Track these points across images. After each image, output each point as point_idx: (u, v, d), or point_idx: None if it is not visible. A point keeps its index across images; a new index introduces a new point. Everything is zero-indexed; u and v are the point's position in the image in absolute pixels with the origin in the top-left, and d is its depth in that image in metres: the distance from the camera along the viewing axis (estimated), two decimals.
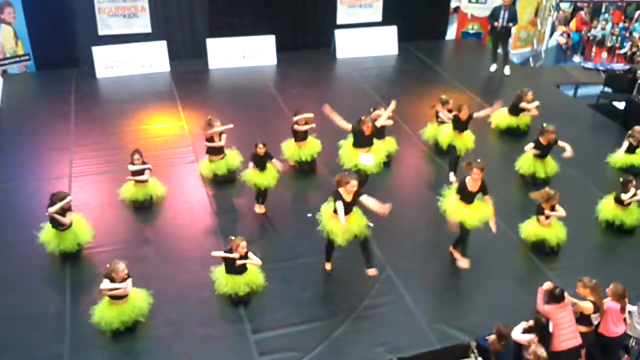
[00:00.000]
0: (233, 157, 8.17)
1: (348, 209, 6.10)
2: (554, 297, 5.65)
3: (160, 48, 11.95)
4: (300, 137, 8.33)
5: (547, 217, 6.94)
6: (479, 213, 6.62)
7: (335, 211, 6.06)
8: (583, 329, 5.75)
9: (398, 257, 7.08)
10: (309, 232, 7.53)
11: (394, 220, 7.79)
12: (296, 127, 8.22)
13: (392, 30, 13.08)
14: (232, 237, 6.18)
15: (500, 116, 9.57)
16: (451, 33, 14.17)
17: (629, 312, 5.99)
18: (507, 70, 11.91)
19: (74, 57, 11.85)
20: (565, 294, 5.68)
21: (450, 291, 6.67)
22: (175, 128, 9.83)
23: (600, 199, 7.66)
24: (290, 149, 8.39)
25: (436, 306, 6.43)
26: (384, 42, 13.03)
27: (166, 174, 8.38)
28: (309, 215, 7.77)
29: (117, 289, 5.69)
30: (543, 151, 8.13)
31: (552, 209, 6.93)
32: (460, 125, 8.15)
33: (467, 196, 6.60)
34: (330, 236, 6.27)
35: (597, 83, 12.36)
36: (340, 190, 6.04)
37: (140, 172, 7.58)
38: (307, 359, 5.77)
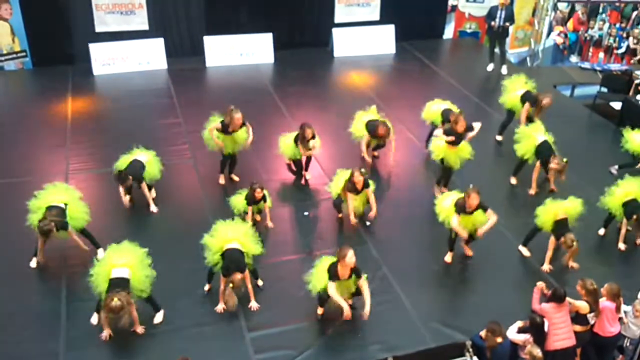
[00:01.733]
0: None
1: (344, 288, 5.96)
2: (556, 297, 5.66)
3: (157, 45, 11.93)
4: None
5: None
6: (478, 221, 6.70)
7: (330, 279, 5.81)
8: (578, 328, 5.77)
9: (393, 256, 7.09)
10: (305, 231, 7.56)
11: (390, 218, 7.84)
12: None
13: (390, 29, 13.08)
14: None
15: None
16: (449, 32, 14.17)
17: (624, 312, 6.01)
18: (504, 70, 11.92)
19: (71, 54, 11.83)
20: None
21: (445, 290, 6.69)
22: (172, 126, 9.82)
23: (597, 202, 7.62)
24: (287, 146, 8.16)
25: (431, 305, 6.44)
26: (382, 41, 13.03)
27: (165, 171, 8.36)
28: (306, 213, 7.81)
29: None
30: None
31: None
32: (456, 138, 7.66)
33: (466, 214, 6.63)
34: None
35: (594, 83, 12.39)
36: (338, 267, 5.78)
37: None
38: (303, 356, 5.78)
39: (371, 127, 8.25)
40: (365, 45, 12.87)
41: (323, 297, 6.05)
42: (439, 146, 7.82)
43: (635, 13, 14.64)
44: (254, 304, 6.25)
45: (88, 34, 11.65)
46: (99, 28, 11.79)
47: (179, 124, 9.86)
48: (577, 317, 5.76)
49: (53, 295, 6.39)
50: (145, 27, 12.03)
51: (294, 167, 8.35)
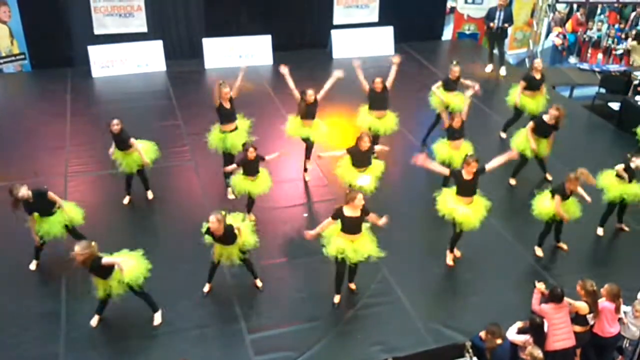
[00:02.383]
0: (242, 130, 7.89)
1: (354, 227, 5.98)
2: (555, 297, 5.66)
3: (156, 47, 11.94)
4: (309, 114, 7.91)
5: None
6: (478, 212, 6.60)
7: (343, 228, 5.92)
8: (578, 328, 5.77)
9: (394, 257, 7.07)
10: (304, 232, 7.54)
11: (390, 220, 7.83)
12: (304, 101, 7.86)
13: (389, 31, 13.10)
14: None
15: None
16: (447, 34, 14.19)
17: (624, 313, 6.02)
18: (503, 71, 11.94)
19: (70, 56, 11.83)
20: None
21: (445, 291, 6.69)
22: (171, 127, 9.82)
23: (601, 205, 7.62)
24: (294, 125, 8.02)
25: (432, 306, 6.44)
26: (381, 43, 13.04)
27: (162, 174, 8.37)
28: (305, 215, 7.81)
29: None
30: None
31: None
32: (454, 135, 7.60)
33: (464, 187, 6.52)
34: (339, 258, 5.96)
35: (592, 84, 12.41)
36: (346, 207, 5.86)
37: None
38: (303, 358, 5.78)
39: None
40: (364, 46, 12.88)
41: (339, 278, 6.11)
42: (441, 148, 7.81)
43: (634, 14, 14.68)
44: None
45: (87, 36, 11.66)
46: (97, 30, 11.79)
47: (178, 126, 9.86)
48: (577, 318, 5.77)
49: (53, 296, 6.38)
50: (144, 29, 12.05)
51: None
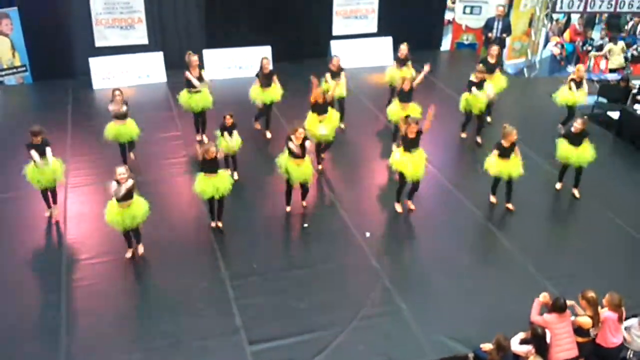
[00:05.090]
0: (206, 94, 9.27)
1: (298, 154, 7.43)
2: (558, 307, 5.64)
3: (156, 59, 12.00)
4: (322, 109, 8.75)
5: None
6: (417, 164, 7.63)
7: (289, 153, 7.45)
8: (580, 339, 5.75)
9: (395, 268, 7.08)
10: (305, 243, 7.55)
11: (390, 230, 7.84)
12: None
13: (388, 41, 13.17)
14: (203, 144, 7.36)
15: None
16: (446, 44, 14.27)
17: (626, 328, 5.96)
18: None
19: (71, 68, 11.88)
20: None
21: (447, 302, 6.67)
22: (171, 139, 9.85)
23: (598, 214, 7.62)
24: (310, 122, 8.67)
25: (433, 317, 6.42)
26: (380, 53, 13.10)
27: (162, 185, 8.38)
28: (305, 225, 7.81)
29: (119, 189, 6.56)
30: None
31: (513, 146, 7.65)
32: (409, 144, 7.64)
33: (408, 144, 7.58)
34: (287, 177, 7.57)
35: (591, 93, 12.41)
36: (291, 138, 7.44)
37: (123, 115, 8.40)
38: None
39: None
40: (363, 57, 12.94)
41: (289, 189, 7.84)
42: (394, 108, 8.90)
43: (631, 23, 14.75)
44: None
45: (88, 48, 11.72)
46: (99, 43, 11.86)
47: (178, 137, 9.88)
48: (579, 329, 5.74)
49: (53, 310, 6.35)
50: (145, 41, 12.12)
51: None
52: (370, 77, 12.33)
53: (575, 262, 7.25)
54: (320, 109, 8.67)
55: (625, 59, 13.45)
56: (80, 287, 6.64)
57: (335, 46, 12.91)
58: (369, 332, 6.17)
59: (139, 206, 6.82)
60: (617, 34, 13.57)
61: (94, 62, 11.61)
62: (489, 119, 10.24)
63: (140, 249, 7.15)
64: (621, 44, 13.35)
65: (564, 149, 8.18)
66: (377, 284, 6.75)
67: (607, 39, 13.86)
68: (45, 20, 11.38)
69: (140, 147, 9.38)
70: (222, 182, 7.25)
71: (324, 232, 7.72)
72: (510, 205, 8.05)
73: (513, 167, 7.73)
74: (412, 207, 8.08)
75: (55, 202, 7.75)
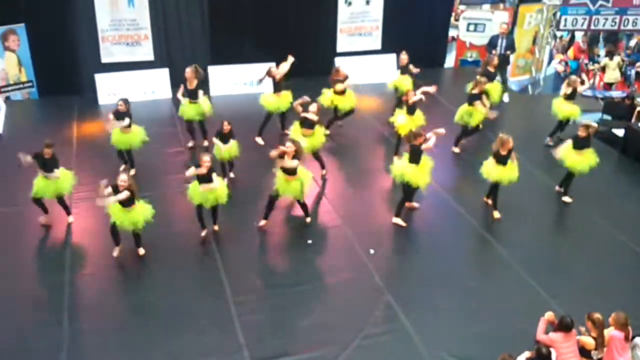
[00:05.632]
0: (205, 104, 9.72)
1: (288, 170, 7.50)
2: (564, 326, 5.58)
3: (162, 75, 12.09)
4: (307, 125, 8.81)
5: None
6: (424, 172, 7.77)
7: (283, 170, 7.50)
8: None
9: (398, 285, 7.03)
10: (308, 259, 7.52)
11: (394, 246, 7.81)
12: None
13: (391, 58, 13.23)
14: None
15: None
16: (450, 61, 14.33)
17: (633, 347, 5.88)
18: (505, 98, 12.00)
19: (77, 84, 11.97)
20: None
21: (451, 320, 6.61)
22: (176, 154, 9.88)
23: (604, 232, 7.58)
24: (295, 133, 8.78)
25: (437, 335, 6.35)
26: (383, 70, 13.17)
27: (166, 201, 8.38)
28: (309, 242, 7.78)
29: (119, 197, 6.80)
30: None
31: (509, 153, 7.88)
32: (415, 154, 7.82)
33: (415, 154, 7.76)
34: (276, 192, 7.65)
35: (595, 110, 12.42)
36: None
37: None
38: None
39: None
40: (367, 73, 13.01)
41: (272, 202, 7.80)
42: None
43: (635, 41, 14.80)
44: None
45: (94, 64, 11.82)
46: (105, 59, 11.97)
47: (182, 153, 9.91)
48: (582, 351, 5.67)
49: (54, 327, 6.32)
50: (151, 57, 12.22)
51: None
52: (374, 93, 12.40)
53: (580, 280, 7.19)
54: (307, 124, 8.77)
55: (622, 74, 13.47)
56: (82, 303, 6.62)
57: (339, 63, 12.96)
58: (372, 350, 6.11)
59: (140, 212, 7.01)
60: (613, 50, 13.62)
61: (100, 78, 11.71)
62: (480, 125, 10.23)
63: (141, 251, 7.33)
64: (617, 59, 13.38)
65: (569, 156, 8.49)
66: (381, 301, 6.70)
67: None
68: (52, 36, 11.50)
69: (144, 163, 9.42)
70: (213, 192, 7.40)
71: (327, 247, 7.70)
72: (496, 214, 8.19)
73: (510, 172, 7.97)
74: (416, 205, 8.26)
75: (68, 212, 8.04)
